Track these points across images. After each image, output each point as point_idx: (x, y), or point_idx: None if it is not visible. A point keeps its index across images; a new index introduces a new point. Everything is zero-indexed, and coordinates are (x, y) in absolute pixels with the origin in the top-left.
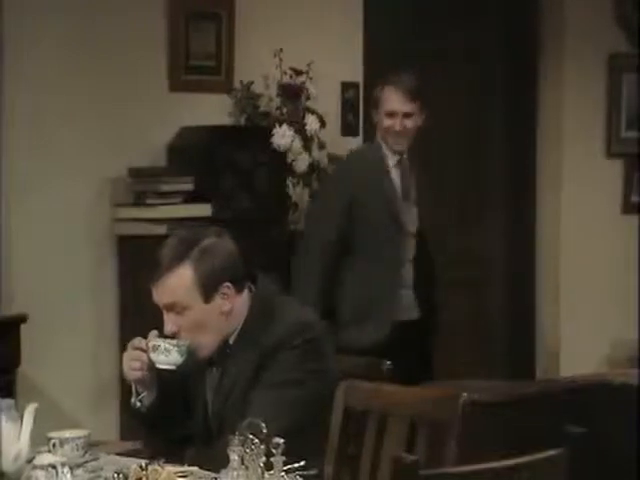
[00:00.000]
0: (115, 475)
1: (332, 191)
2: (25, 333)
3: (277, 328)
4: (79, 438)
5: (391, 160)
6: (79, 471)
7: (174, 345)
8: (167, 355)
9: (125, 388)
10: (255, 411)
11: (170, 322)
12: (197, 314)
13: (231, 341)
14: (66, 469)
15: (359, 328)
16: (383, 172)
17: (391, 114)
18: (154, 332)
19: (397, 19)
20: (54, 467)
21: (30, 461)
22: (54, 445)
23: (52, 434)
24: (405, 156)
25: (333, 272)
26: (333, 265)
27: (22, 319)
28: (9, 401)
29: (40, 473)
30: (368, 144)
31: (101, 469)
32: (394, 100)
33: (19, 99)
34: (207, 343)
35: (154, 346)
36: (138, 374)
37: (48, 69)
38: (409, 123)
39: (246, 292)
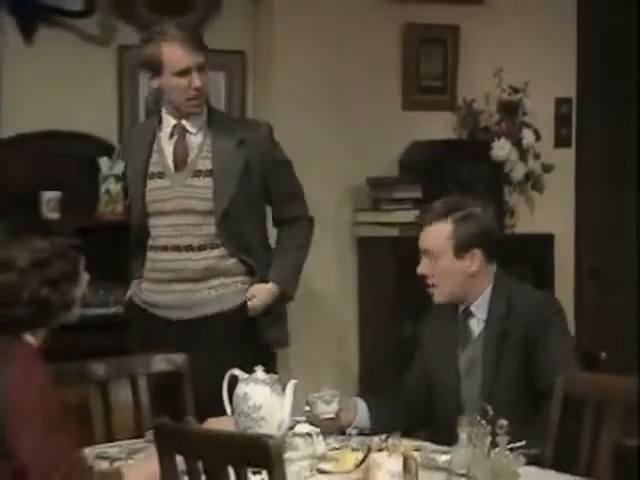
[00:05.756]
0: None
1: None
2: None
3: (530, 300)
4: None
5: None
6: (331, 439)
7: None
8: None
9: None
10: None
11: (423, 266)
12: (446, 265)
13: (473, 309)
14: (320, 438)
15: None
16: None
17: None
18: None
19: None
20: (310, 435)
21: (291, 429)
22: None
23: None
24: None
25: None
26: None
27: None
28: (274, 376)
29: (299, 440)
30: None
31: (349, 440)
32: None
33: (286, 114)
34: (446, 290)
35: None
36: None
37: (308, 91)
38: None
39: (489, 270)
